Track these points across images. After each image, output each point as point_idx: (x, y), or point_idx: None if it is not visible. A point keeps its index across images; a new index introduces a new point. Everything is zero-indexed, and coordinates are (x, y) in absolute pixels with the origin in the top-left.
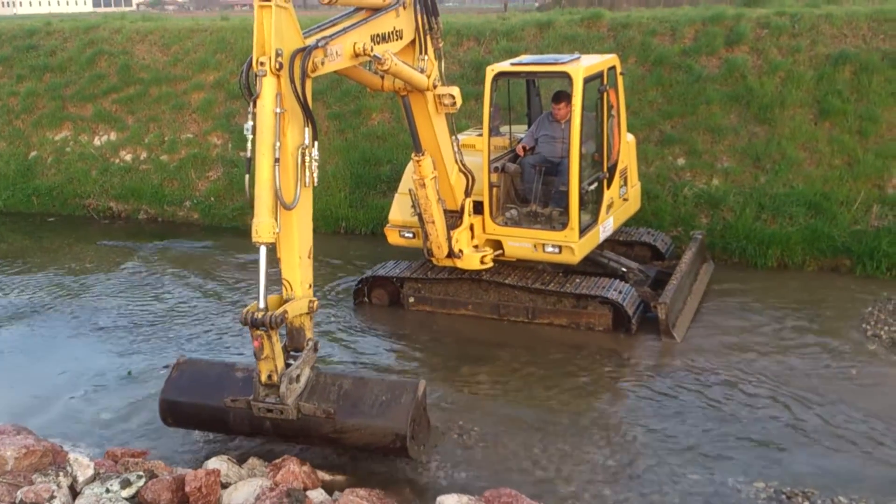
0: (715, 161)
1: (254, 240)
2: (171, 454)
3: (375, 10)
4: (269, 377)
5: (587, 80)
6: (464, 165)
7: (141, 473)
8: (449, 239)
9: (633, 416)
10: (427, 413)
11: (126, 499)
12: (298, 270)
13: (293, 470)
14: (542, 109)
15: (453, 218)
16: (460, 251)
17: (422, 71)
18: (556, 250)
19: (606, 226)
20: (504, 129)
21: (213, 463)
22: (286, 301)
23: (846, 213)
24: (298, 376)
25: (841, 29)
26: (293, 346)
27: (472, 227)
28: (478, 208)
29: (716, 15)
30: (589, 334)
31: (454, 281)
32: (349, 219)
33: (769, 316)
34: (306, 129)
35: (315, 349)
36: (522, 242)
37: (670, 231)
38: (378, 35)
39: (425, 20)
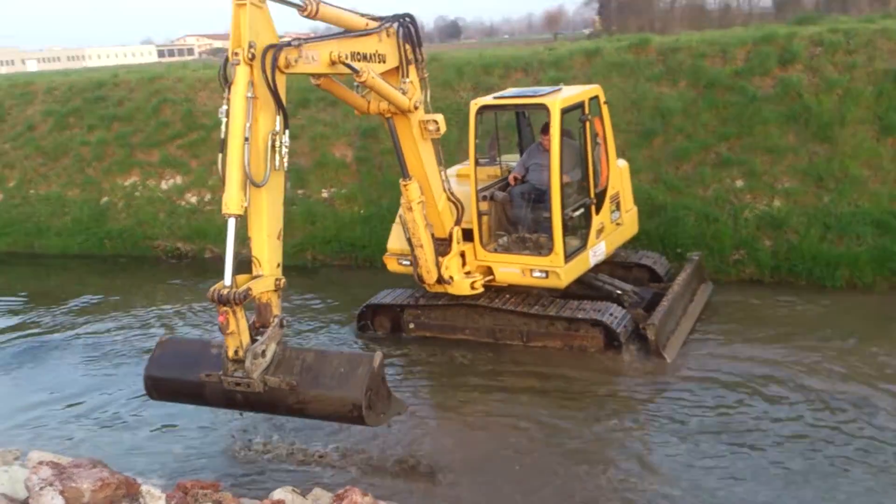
0: (775, 182)
1: (223, 212)
2: (239, 485)
3: (358, 32)
4: (236, 352)
5: (564, 111)
6: (452, 194)
7: None
8: (438, 265)
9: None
10: (387, 384)
11: None
12: (266, 249)
13: (356, 500)
14: (534, 139)
15: (443, 245)
16: (450, 277)
17: (403, 93)
18: (544, 275)
19: (597, 250)
20: (503, 157)
21: (278, 494)
22: (253, 278)
23: None
24: (264, 351)
25: None
26: (261, 321)
27: (463, 255)
28: (470, 236)
29: (767, 35)
30: (581, 356)
31: (451, 307)
32: None
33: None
34: (277, 117)
35: (281, 325)
36: (512, 268)
37: (732, 254)
38: (358, 53)
39: (409, 49)
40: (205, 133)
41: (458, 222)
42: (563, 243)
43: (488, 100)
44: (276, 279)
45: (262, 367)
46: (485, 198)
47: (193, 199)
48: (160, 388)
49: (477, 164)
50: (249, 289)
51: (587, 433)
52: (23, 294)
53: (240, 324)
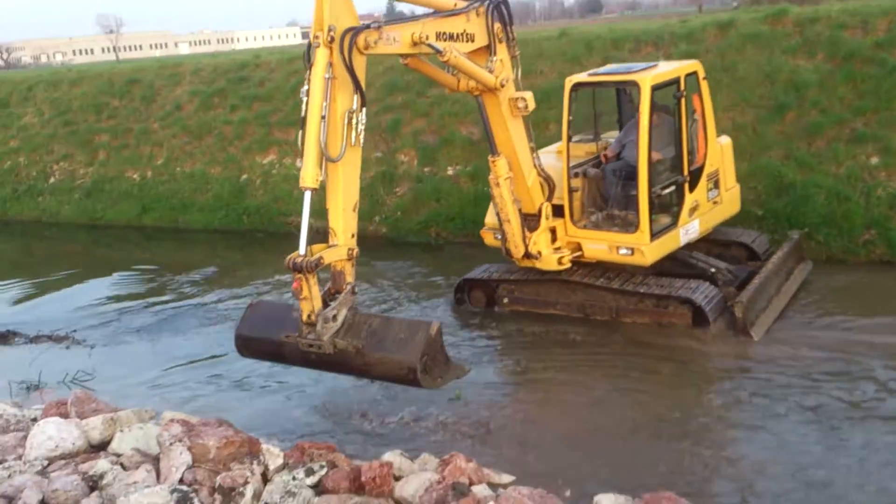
0: None
1: (300, 185)
2: (352, 449)
3: (445, 12)
4: (309, 316)
5: (656, 88)
6: (542, 170)
7: (323, 464)
8: (525, 239)
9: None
10: (445, 350)
11: (310, 486)
12: (342, 220)
13: (460, 466)
14: (633, 116)
15: (532, 220)
16: (538, 252)
17: (490, 71)
18: (629, 252)
19: (690, 229)
20: (606, 135)
21: (388, 456)
22: (328, 248)
23: None
24: (335, 316)
25: None
26: (335, 288)
27: (553, 230)
28: (561, 212)
29: None
30: (670, 332)
31: (544, 282)
32: None
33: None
34: (355, 96)
35: (353, 292)
36: (599, 244)
37: (862, 234)
38: (444, 33)
39: (499, 28)
40: None
41: (549, 198)
42: (650, 221)
43: (583, 77)
44: (350, 249)
45: (333, 330)
46: (577, 174)
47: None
48: (249, 346)
49: (577, 140)
50: (321, 258)
51: (672, 407)
52: (166, 265)
53: (312, 290)
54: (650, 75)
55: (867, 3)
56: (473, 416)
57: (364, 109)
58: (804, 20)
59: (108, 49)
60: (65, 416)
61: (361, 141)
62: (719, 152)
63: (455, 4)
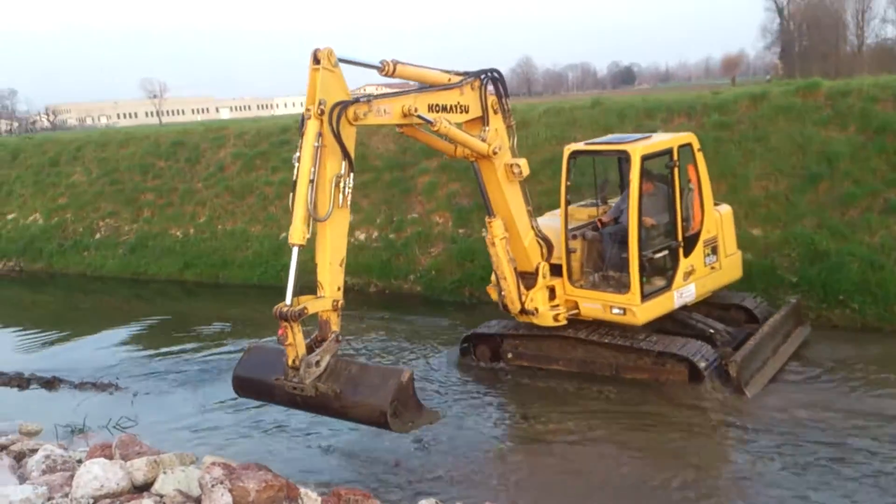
0: None
1: (289, 242)
2: (386, 497)
3: (439, 87)
4: (294, 361)
5: (646, 158)
6: (539, 231)
7: None
8: (521, 296)
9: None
10: (417, 397)
11: None
12: (328, 274)
13: None
14: None
15: (529, 279)
16: (535, 309)
17: (483, 140)
18: (622, 312)
19: (685, 292)
20: (613, 200)
21: (422, 503)
22: (315, 299)
23: None
24: (318, 362)
25: None
26: (320, 336)
27: (553, 289)
28: (560, 271)
29: None
30: (667, 389)
31: (546, 338)
32: None
33: None
34: (343, 162)
35: (337, 340)
36: (595, 304)
37: None
38: (437, 105)
39: (496, 101)
40: (376, 175)
41: (546, 258)
42: (641, 283)
43: (580, 145)
44: (335, 301)
45: (315, 374)
46: (575, 237)
47: (362, 237)
48: (244, 386)
49: (582, 205)
50: (305, 308)
51: (659, 459)
52: (206, 318)
53: (296, 337)
54: (641, 146)
55: None
56: (510, 471)
57: (352, 175)
58: (836, 93)
59: (152, 113)
60: (109, 457)
61: (349, 203)
62: (717, 220)
63: (449, 79)
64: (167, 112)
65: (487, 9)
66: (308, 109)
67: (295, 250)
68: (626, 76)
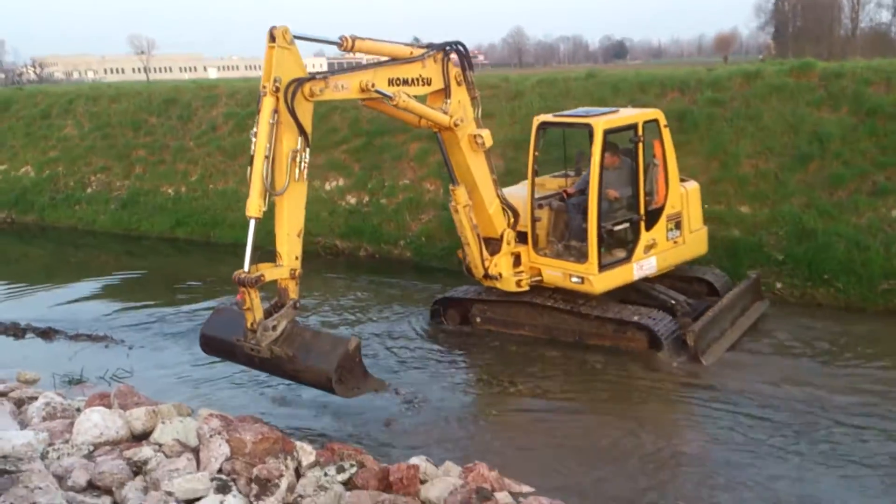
0: None
1: (246, 214)
2: (378, 454)
3: (401, 60)
4: (252, 324)
5: (608, 132)
6: (504, 200)
7: (353, 463)
8: (484, 261)
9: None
10: (363, 364)
11: (340, 482)
12: (286, 245)
13: (483, 473)
14: None
15: (494, 244)
16: (499, 274)
17: (445, 112)
18: (580, 280)
19: (645, 264)
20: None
21: (413, 460)
22: (273, 267)
23: None
24: (275, 326)
25: None
26: (280, 302)
27: (518, 256)
28: (526, 238)
29: None
30: (627, 355)
31: (514, 304)
32: None
33: None
34: (299, 137)
35: (294, 307)
36: (556, 272)
37: (881, 283)
38: (398, 79)
39: (459, 73)
40: (367, 139)
41: (512, 226)
42: (599, 253)
43: (549, 117)
44: (293, 269)
45: (271, 338)
46: (541, 206)
47: (353, 201)
48: (209, 344)
49: (556, 176)
50: (262, 275)
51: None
52: (198, 276)
53: (254, 302)
54: (603, 120)
55: (892, 62)
56: (498, 434)
57: (308, 149)
58: (829, 74)
59: (139, 69)
60: (108, 407)
61: (305, 177)
62: (683, 196)
63: (411, 52)
64: (154, 69)
65: None
66: (264, 87)
67: (252, 223)
68: (618, 50)
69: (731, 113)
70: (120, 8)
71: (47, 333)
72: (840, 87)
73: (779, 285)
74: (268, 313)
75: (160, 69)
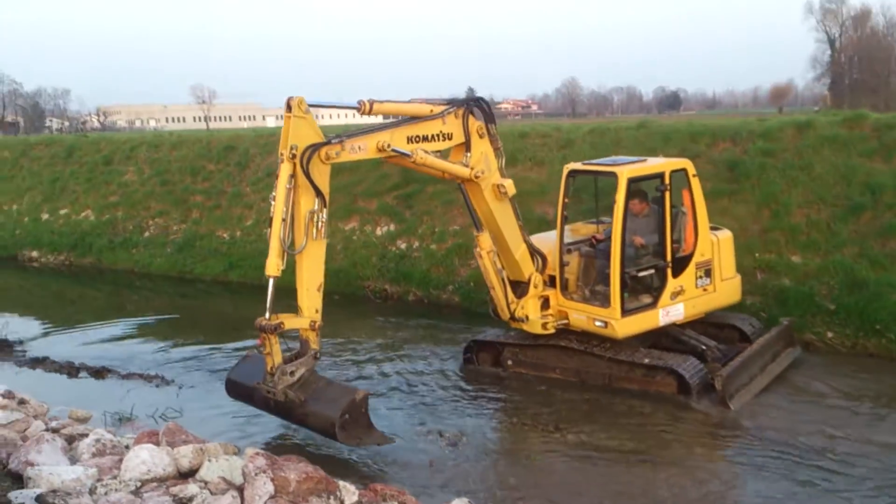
0: None
1: (265, 273)
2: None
3: (420, 118)
4: (271, 369)
5: (633, 181)
6: (531, 245)
7: None
8: (509, 304)
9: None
10: (368, 416)
11: None
12: (306, 299)
13: None
14: None
15: (521, 288)
16: (525, 316)
17: (465, 165)
18: (603, 325)
19: (672, 311)
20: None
21: (456, 502)
22: (292, 317)
23: None
24: (293, 372)
25: None
26: (301, 351)
27: (546, 299)
28: (555, 282)
29: None
30: (657, 398)
31: (543, 347)
32: None
33: None
34: (316, 199)
35: (315, 357)
36: (581, 315)
37: None
38: (417, 136)
39: (482, 126)
40: (419, 186)
41: (540, 270)
42: (621, 298)
43: (578, 165)
44: (312, 321)
45: (288, 383)
46: (570, 251)
47: (403, 246)
48: (233, 389)
49: (579, 221)
50: (282, 322)
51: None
52: (251, 317)
53: (273, 347)
54: (628, 169)
55: None
56: (542, 478)
57: (325, 209)
58: (882, 126)
59: (199, 118)
60: (156, 444)
61: (324, 235)
62: (714, 244)
63: (431, 110)
64: (214, 118)
65: (533, 30)
66: (281, 153)
67: (271, 280)
68: (671, 101)
69: (782, 163)
70: (183, 60)
71: (100, 373)
72: (893, 138)
73: (830, 335)
74: (288, 360)
75: (220, 118)
